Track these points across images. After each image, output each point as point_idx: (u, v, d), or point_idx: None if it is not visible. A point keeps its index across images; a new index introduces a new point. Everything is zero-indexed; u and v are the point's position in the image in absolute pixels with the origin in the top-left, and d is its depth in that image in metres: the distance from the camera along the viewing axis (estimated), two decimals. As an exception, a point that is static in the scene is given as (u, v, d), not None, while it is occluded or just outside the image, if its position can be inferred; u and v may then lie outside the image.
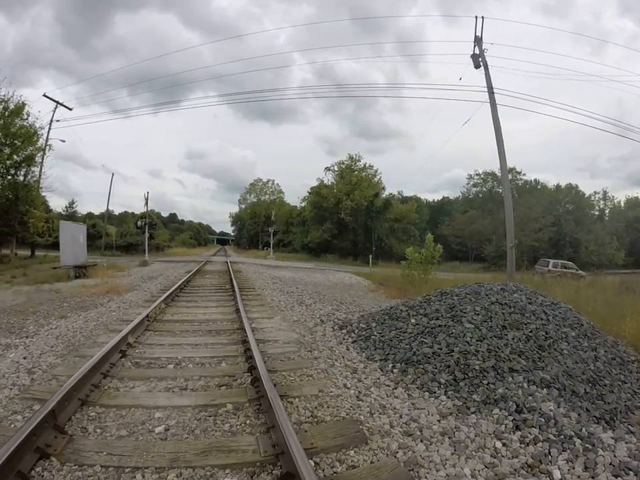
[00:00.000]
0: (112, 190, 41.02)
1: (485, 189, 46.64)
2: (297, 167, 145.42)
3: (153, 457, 2.36)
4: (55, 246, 20.08)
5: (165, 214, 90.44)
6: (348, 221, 41.17)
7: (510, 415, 2.99)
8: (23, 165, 19.32)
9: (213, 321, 6.47)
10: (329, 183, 45.49)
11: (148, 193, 26.78)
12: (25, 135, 18.58)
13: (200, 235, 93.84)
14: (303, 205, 51.94)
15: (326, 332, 5.87)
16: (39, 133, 20.06)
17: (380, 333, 5.10)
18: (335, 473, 2.27)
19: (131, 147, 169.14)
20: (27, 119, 19.00)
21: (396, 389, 3.61)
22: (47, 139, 23.05)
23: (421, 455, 2.45)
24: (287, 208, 61.81)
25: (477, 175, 46.87)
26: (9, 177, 19.04)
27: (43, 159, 21.37)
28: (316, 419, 2.91)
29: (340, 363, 4.33)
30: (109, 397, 3.26)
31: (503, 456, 2.51)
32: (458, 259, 41.50)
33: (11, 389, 3.43)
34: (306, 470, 1.95)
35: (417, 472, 2.29)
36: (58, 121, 25.26)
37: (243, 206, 78.94)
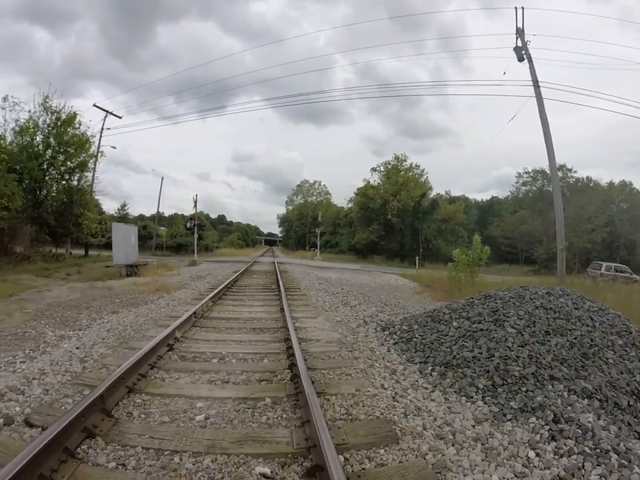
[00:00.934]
0: (162, 193, 42.68)
1: (534, 188, 44.18)
2: (343, 167, 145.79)
3: (192, 442, 2.51)
4: (108, 246, 21.27)
5: (213, 215, 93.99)
6: (395, 221, 40.62)
7: (546, 425, 2.89)
8: (77, 170, 20.59)
9: (257, 319, 6.62)
10: (375, 184, 45.10)
11: (197, 195, 27.79)
12: (77, 142, 19.75)
13: (248, 236, 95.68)
14: (349, 205, 52.24)
15: (368, 333, 5.89)
16: (90, 140, 21.34)
17: (421, 336, 5.07)
18: (363, 469, 2.31)
19: (179, 152, 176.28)
20: (78, 127, 20.22)
21: (433, 391, 3.58)
22: (99, 146, 24.47)
23: (450, 459, 2.43)
24: (333, 209, 62.39)
25: (526, 172, 44.51)
26: (64, 182, 20.34)
27: (95, 164, 22.73)
28: (350, 417, 2.96)
29: (379, 364, 4.35)
30: (154, 386, 3.47)
31: (534, 466, 2.43)
32: (507, 262, 39.69)
33: (64, 375, 3.71)
34: (334, 464, 2.01)
35: (444, 475, 2.28)
36: (108, 128, 26.90)
37: (290, 207, 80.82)
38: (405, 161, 45.01)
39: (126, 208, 50.16)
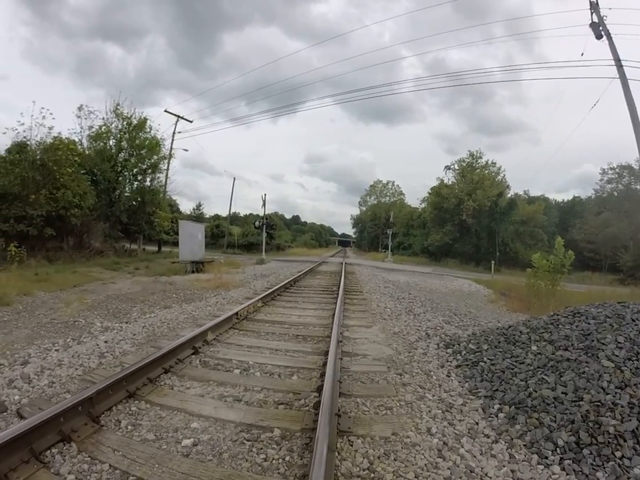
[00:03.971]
0: (237, 194, 44.72)
1: (620, 186, 38.56)
2: (416, 167, 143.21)
3: (163, 472, 2.10)
4: (181, 243, 22.45)
5: (288, 216, 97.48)
6: (470, 222, 38.06)
7: (644, 516, 1.95)
8: (148, 171, 22.10)
9: (305, 325, 6.07)
10: (450, 183, 42.77)
11: (265, 194, 27.24)
12: (148, 145, 21.27)
13: (321, 236, 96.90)
14: (422, 206, 50.24)
15: (428, 349, 4.96)
16: (161, 143, 22.79)
17: (491, 360, 4.07)
18: None
19: (253, 154, 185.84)
20: (149, 131, 21.75)
21: (496, 442, 2.62)
22: (171, 149, 26.10)
23: None
24: (407, 210, 60.58)
25: (611, 169, 39.02)
26: (136, 183, 22.00)
27: (167, 166, 24.25)
28: (372, 476, 2.17)
29: (432, 395, 3.42)
30: (158, 394, 3.11)
31: None
32: (590, 269, 34.88)
33: (76, 369, 3.61)
34: None
35: None
36: (179, 132, 28.70)
37: (364, 208, 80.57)
38: (481, 158, 42.20)
39: (201, 208, 52.85)
